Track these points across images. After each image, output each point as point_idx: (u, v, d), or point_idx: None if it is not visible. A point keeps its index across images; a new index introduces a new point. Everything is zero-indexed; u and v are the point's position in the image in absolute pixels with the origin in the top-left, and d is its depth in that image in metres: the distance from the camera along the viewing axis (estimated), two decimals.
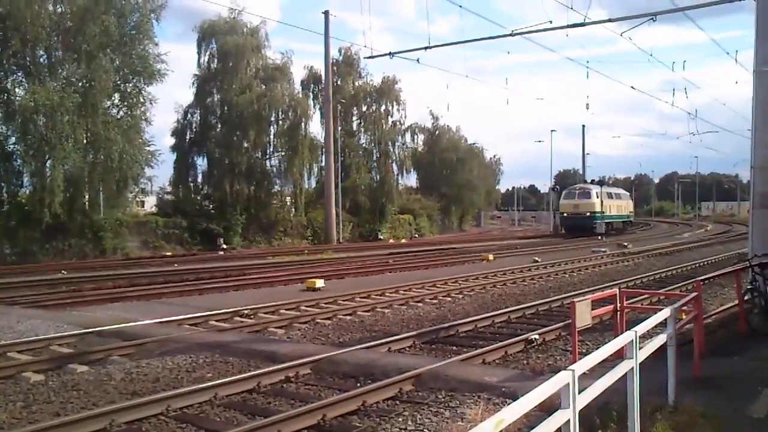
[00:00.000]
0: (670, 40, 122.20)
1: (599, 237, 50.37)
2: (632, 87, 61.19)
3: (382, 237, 55.56)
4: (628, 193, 72.50)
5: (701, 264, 25.44)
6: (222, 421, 7.36)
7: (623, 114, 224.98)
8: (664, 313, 7.09)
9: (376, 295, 17.29)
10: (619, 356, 6.01)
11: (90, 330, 12.18)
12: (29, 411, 7.81)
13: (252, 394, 8.39)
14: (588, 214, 53.88)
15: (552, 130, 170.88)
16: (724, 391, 7.75)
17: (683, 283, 17.88)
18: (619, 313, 9.20)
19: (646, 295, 14.45)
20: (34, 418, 7.48)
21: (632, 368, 5.56)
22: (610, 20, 18.84)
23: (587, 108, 58.82)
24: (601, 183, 61.21)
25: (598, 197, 54.90)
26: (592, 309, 8.44)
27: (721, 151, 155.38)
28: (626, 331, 5.82)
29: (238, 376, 8.81)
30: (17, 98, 34.13)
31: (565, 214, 56.44)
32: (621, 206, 62.29)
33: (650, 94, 55.60)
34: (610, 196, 59.22)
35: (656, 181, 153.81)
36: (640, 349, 5.82)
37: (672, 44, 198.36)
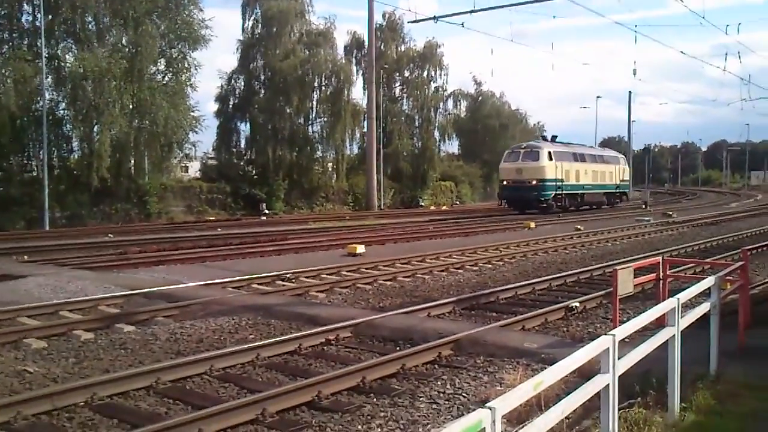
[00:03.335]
0: (723, 1, 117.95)
1: (643, 206, 47.27)
2: (682, 52, 59.26)
3: (423, 204, 55.49)
4: (619, 155, 54.02)
5: (749, 234, 24.89)
6: (264, 382, 7.52)
7: (672, 80, 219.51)
8: (708, 281, 7.00)
9: (416, 261, 17.32)
10: (660, 324, 5.98)
11: (136, 291, 12.48)
12: (81, 367, 8.10)
13: (293, 355, 8.54)
14: (534, 182, 39.76)
15: (598, 97, 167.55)
16: None
17: (729, 254, 17.53)
18: (661, 281, 9.09)
19: (690, 264, 14.21)
20: (86, 374, 7.76)
21: (674, 335, 5.53)
22: None
23: (634, 74, 56.01)
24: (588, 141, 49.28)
25: (551, 159, 40.40)
26: (635, 277, 8.36)
27: None
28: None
29: (279, 338, 8.97)
30: (67, 65, 34.76)
31: (504, 182, 41.92)
32: (601, 173, 47.03)
33: (701, 59, 53.90)
34: (578, 158, 44.63)
35: (704, 149, 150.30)
36: (682, 317, 5.77)
37: (726, 6, 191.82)
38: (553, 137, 46.64)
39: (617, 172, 49.84)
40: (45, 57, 32.29)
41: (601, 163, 47.85)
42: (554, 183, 40.50)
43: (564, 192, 41.54)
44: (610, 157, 50.94)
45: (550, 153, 40.76)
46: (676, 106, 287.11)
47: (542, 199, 39.97)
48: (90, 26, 35.96)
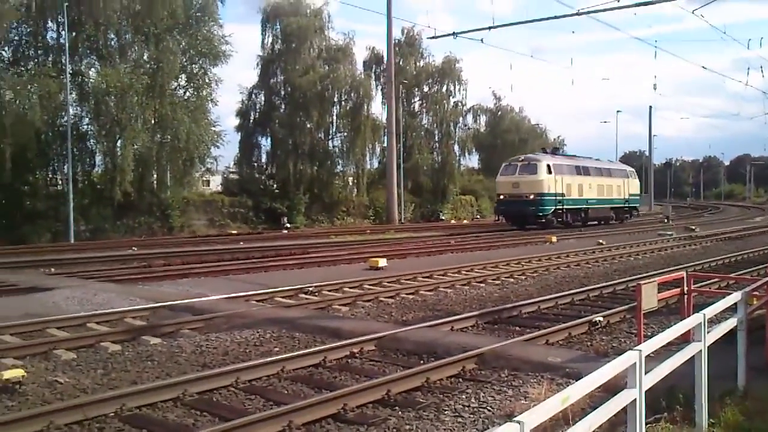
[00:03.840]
0: (745, 16, 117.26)
1: (665, 220, 46.64)
2: (703, 66, 58.90)
3: (443, 218, 55.48)
4: (628, 168, 51.20)
5: None
6: (289, 394, 7.57)
7: (693, 95, 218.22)
8: (735, 296, 6.97)
9: (438, 275, 17.33)
10: (685, 340, 5.97)
11: (161, 304, 12.62)
12: (109, 378, 8.22)
13: (318, 368, 8.59)
14: (531, 196, 37.92)
15: (618, 111, 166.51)
16: None
17: (755, 268, 17.39)
18: (686, 296, 9.06)
19: (714, 279, 14.08)
20: (114, 385, 7.86)
21: (700, 351, 5.52)
22: None
23: (655, 88, 54.86)
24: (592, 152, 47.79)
25: (550, 172, 38.60)
26: (659, 292, 8.34)
27: None
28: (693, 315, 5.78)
29: (304, 351, 9.02)
30: (90, 80, 35.37)
31: (501, 197, 40.51)
32: (607, 187, 44.70)
33: (722, 73, 53.38)
34: (581, 171, 42.29)
35: (726, 163, 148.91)
36: (708, 332, 5.77)
37: (747, 20, 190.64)
38: (554, 150, 45.34)
39: (626, 186, 47.49)
40: (69, 73, 32.90)
41: (608, 177, 45.53)
42: (554, 197, 38.70)
43: (565, 207, 39.73)
44: (618, 171, 48.59)
45: (549, 166, 39.04)
46: (697, 121, 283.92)
47: (540, 213, 38.40)
48: (112, 43, 36.68)
